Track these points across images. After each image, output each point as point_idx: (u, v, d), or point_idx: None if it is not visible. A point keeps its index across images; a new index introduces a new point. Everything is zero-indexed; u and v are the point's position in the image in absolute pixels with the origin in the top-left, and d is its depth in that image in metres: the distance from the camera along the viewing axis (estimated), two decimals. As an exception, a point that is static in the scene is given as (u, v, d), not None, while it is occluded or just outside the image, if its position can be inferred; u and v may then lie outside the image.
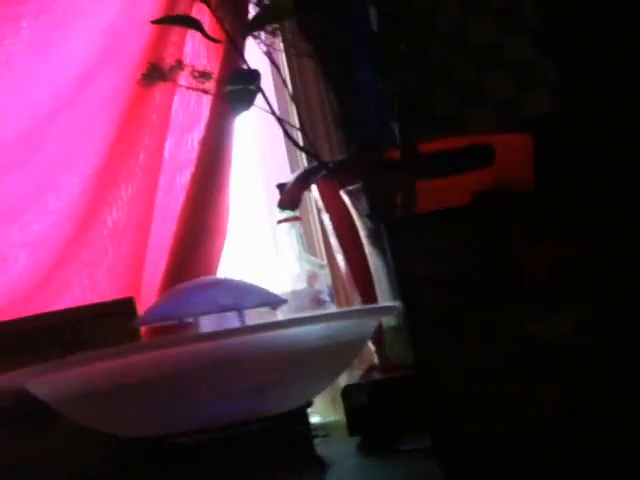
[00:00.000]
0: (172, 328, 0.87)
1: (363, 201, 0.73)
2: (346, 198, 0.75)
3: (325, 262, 1.17)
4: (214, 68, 1.13)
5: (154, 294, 1.16)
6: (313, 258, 1.15)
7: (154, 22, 0.96)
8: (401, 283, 0.66)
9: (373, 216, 0.71)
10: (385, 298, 0.76)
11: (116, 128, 1.17)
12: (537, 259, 0.65)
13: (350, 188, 0.73)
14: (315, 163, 0.90)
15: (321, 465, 0.73)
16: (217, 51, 1.18)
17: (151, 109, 1.20)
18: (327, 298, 1.09)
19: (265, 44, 0.74)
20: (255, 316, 0.72)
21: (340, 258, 1.01)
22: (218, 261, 1.15)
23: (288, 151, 1.26)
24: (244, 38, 0.74)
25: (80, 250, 1.17)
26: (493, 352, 0.63)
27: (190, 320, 0.67)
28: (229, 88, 0.70)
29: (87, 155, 1.17)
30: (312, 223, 1.26)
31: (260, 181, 1.31)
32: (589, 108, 1.10)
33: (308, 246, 1.15)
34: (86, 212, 1.17)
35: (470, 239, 0.67)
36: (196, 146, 1.18)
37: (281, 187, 0.98)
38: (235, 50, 0.76)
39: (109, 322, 0.88)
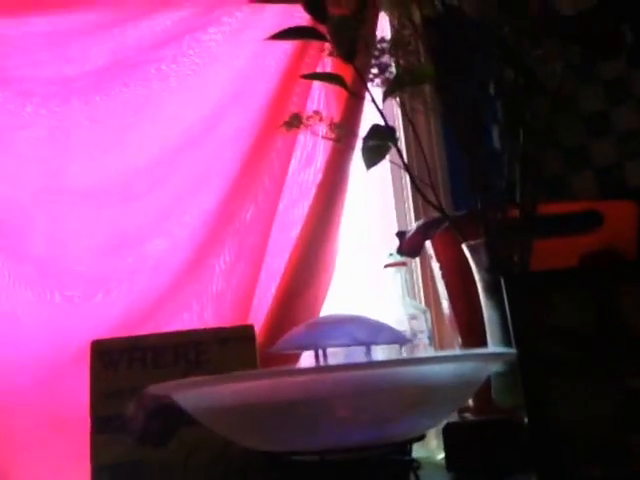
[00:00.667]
0: (281, 358, 0.95)
1: (483, 255, 0.79)
2: (466, 251, 0.82)
3: (424, 306, 1.24)
4: (334, 116, 1.22)
5: (258, 326, 1.24)
6: (415, 302, 1.21)
7: (305, 77, 1.04)
8: (517, 332, 0.72)
9: (493, 270, 0.77)
10: (496, 346, 0.81)
11: (239, 166, 1.27)
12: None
13: (472, 243, 0.80)
14: (430, 214, 0.97)
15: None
16: (338, 102, 1.27)
17: (272, 152, 1.28)
18: (426, 340, 1.15)
19: (403, 104, 0.82)
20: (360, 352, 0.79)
21: (445, 304, 1.07)
22: (323, 299, 1.23)
23: (395, 199, 1.34)
24: (385, 99, 0.81)
25: (196, 277, 1.26)
26: (602, 402, 0.69)
27: (320, 350, 0.75)
28: (370, 144, 0.78)
29: (210, 189, 1.27)
30: (414, 269, 1.33)
31: (366, 225, 1.38)
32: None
33: (409, 290, 1.22)
34: (205, 241, 1.25)
35: (582, 297, 0.73)
36: (312, 186, 1.26)
37: (401, 235, 1.05)
38: (373, 106, 0.83)
39: (230, 345, 0.96)
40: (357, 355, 0.73)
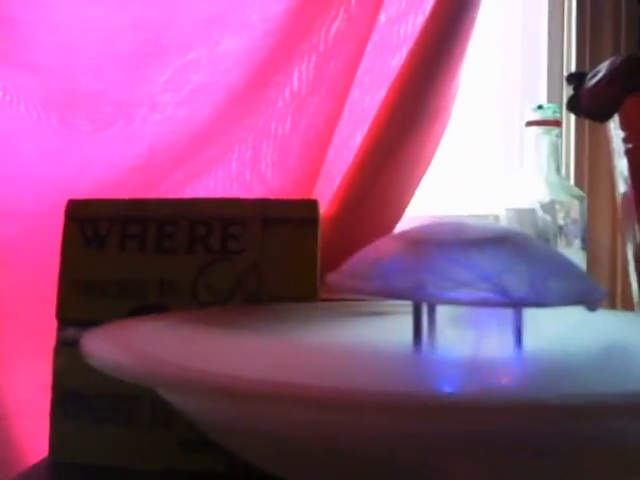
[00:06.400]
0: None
1: None
2: None
3: (580, 192, 0.84)
4: None
5: (329, 191, 0.88)
6: (569, 184, 0.82)
7: None
8: None
9: None
10: None
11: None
12: None
13: None
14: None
15: None
16: None
17: None
18: (578, 242, 0.77)
19: None
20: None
21: (621, 190, 0.69)
22: (430, 157, 0.85)
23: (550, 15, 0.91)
24: None
25: (250, 110, 0.89)
26: None
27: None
28: None
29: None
30: (569, 135, 0.92)
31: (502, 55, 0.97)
32: None
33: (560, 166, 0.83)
34: (265, 60, 0.87)
35: None
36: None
37: (576, 79, 0.63)
38: None
39: (277, 229, 0.60)
40: (489, 320, 0.36)
